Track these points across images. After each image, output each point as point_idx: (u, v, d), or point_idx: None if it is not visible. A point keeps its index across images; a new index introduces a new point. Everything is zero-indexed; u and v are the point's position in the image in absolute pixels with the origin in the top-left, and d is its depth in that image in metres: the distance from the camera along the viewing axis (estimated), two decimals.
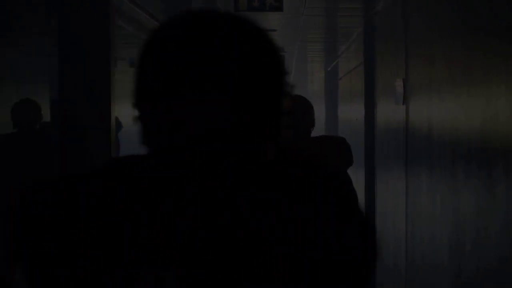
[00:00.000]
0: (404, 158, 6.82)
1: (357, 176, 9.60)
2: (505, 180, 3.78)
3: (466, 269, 4.57)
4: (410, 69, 6.64)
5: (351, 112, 12.81)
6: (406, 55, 6.79)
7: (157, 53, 1.14)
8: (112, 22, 6.21)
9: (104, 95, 6.12)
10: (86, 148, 6.03)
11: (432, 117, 5.59)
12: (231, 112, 1.10)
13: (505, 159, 3.79)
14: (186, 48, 1.11)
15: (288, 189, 1.16)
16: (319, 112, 16.63)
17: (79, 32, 6.08)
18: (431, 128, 5.62)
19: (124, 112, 12.64)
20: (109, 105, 6.12)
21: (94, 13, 6.09)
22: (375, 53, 9.34)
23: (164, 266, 1.15)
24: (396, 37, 7.37)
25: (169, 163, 1.15)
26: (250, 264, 1.12)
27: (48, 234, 1.18)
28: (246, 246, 1.12)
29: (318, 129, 5.72)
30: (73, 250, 1.17)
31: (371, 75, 9.49)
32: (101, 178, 1.20)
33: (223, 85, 1.09)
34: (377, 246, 1.11)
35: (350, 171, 6.02)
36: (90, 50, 6.09)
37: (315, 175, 1.18)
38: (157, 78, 1.11)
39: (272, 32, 11.59)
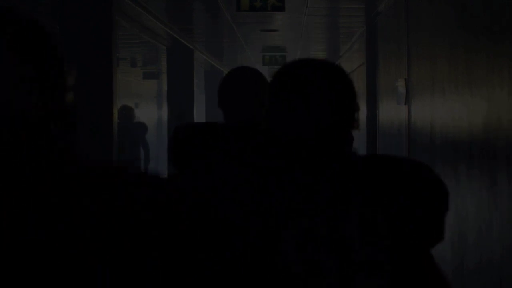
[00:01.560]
0: None
1: None
2: (507, 179, 3.78)
3: (468, 268, 4.57)
4: (412, 69, 6.64)
5: None
6: (408, 55, 6.78)
7: (287, 84, 1.90)
8: (114, 22, 6.21)
9: (106, 94, 6.12)
10: (88, 147, 6.03)
11: (434, 117, 5.59)
12: (332, 116, 1.84)
13: (507, 158, 3.79)
14: (308, 85, 1.87)
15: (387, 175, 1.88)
16: None
17: (81, 32, 6.09)
18: (433, 128, 5.61)
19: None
20: (112, 105, 6.12)
21: (96, 13, 6.10)
22: (377, 53, 9.33)
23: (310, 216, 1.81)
24: (398, 37, 7.36)
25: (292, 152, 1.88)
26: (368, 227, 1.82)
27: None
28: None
29: None
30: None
31: (373, 75, 9.49)
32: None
33: (328, 101, 1.84)
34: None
35: None
36: (92, 50, 6.10)
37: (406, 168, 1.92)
38: (287, 95, 1.86)
39: (274, 32, 11.60)
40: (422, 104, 6.16)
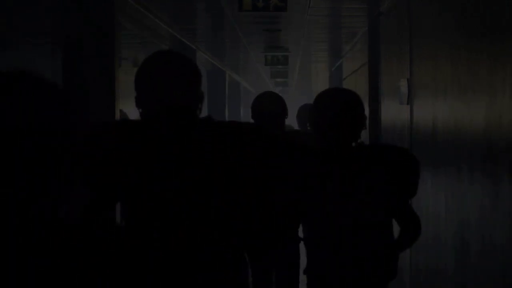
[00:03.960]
0: None
1: None
2: (509, 180, 3.78)
3: (471, 270, 4.57)
4: (414, 69, 6.64)
5: None
6: (411, 55, 6.79)
7: None
8: (116, 22, 6.21)
9: (108, 95, 6.12)
10: None
11: (437, 117, 5.59)
12: None
13: (510, 159, 3.79)
14: None
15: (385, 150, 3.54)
16: None
17: (83, 32, 6.09)
18: (435, 128, 5.61)
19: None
20: (114, 105, 6.13)
21: (98, 13, 6.10)
22: (379, 53, 9.33)
23: None
24: (401, 37, 7.36)
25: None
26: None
27: None
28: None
29: None
30: None
31: (376, 75, 9.49)
32: None
33: None
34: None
35: None
36: (94, 50, 6.10)
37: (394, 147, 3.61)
38: None
39: (276, 32, 11.60)
40: (424, 104, 6.16)
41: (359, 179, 3.44)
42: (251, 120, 5.24)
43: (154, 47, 12.43)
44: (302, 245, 5.61)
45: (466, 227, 4.64)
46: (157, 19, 9.21)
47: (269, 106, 5.26)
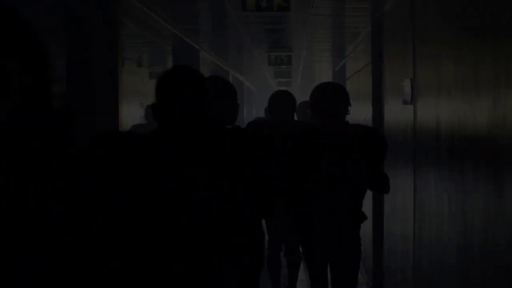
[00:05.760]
0: (411, 158, 6.81)
1: None
2: None
3: (474, 269, 4.57)
4: (418, 69, 6.63)
5: (359, 112, 12.80)
6: (414, 55, 6.78)
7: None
8: (120, 23, 6.21)
9: (111, 95, 6.12)
10: None
11: (440, 116, 5.59)
12: None
13: None
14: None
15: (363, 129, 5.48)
16: None
17: (87, 32, 6.09)
18: (439, 127, 5.61)
19: (132, 111, 12.67)
20: (116, 105, 6.13)
21: (102, 13, 6.10)
22: (382, 53, 9.33)
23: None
24: (404, 37, 7.36)
25: None
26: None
27: None
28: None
29: None
30: None
31: (379, 75, 9.48)
32: None
33: None
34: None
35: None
36: (98, 50, 6.10)
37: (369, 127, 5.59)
38: None
39: (279, 32, 11.59)
40: (428, 104, 6.16)
41: (343, 147, 5.21)
42: (260, 116, 7.08)
43: (157, 47, 12.44)
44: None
45: (470, 227, 4.64)
46: (161, 19, 9.22)
47: (282, 113, 6.90)
